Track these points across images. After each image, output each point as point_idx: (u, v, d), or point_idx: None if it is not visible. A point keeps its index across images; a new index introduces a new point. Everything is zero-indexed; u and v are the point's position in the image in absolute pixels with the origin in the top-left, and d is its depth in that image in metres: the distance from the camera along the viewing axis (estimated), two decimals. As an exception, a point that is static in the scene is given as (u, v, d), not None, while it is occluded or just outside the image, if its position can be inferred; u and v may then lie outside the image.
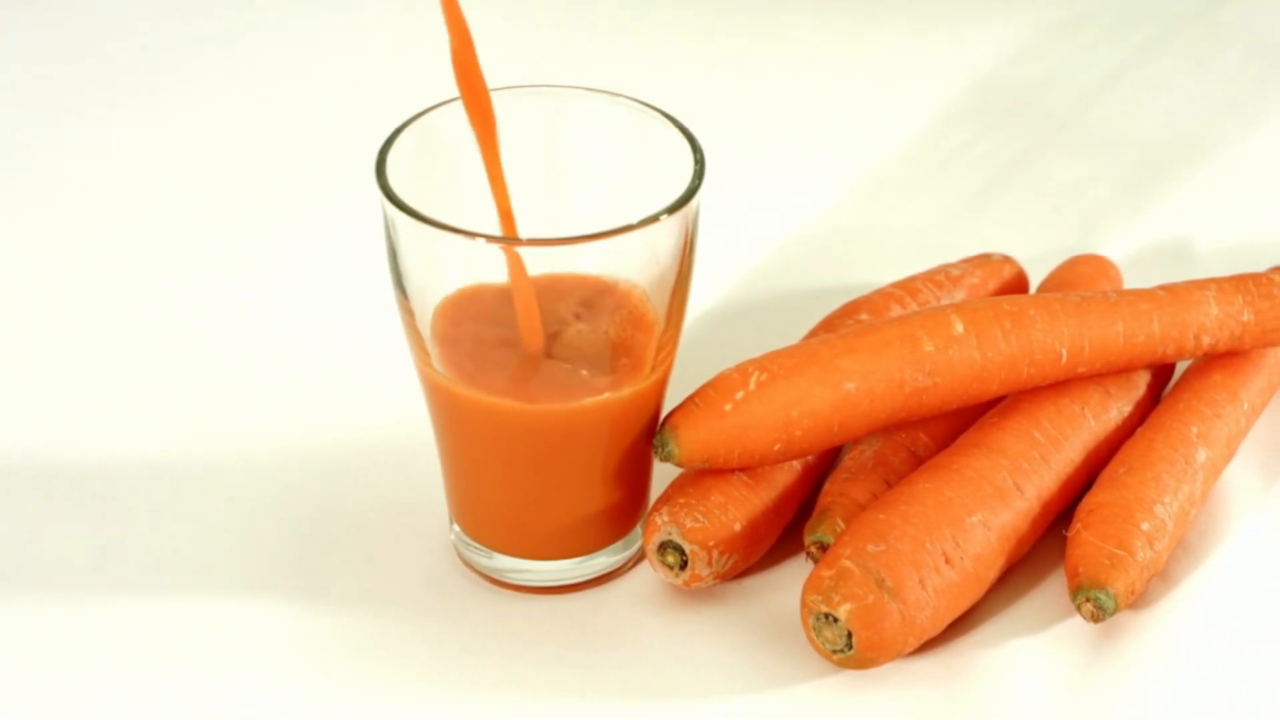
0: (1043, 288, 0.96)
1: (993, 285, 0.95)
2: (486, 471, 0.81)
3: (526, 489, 0.81)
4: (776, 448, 0.80)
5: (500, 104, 0.80)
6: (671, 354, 0.81)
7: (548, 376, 0.78)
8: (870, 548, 0.77)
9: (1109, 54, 1.24)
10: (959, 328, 0.83)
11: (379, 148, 0.78)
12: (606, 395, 0.78)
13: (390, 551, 0.85)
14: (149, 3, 1.28)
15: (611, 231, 0.75)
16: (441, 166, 0.81)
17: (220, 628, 0.81)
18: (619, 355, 0.79)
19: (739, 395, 0.80)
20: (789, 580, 0.83)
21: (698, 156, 0.78)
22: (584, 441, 0.79)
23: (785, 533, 0.84)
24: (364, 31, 1.27)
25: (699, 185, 0.77)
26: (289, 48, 1.25)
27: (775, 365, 0.81)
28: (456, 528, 0.84)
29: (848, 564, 0.77)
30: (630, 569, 0.84)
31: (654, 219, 0.75)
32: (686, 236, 0.78)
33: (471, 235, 0.75)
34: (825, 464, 0.86)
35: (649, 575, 0.84)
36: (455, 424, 0.80)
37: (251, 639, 0.80)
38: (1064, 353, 0.84)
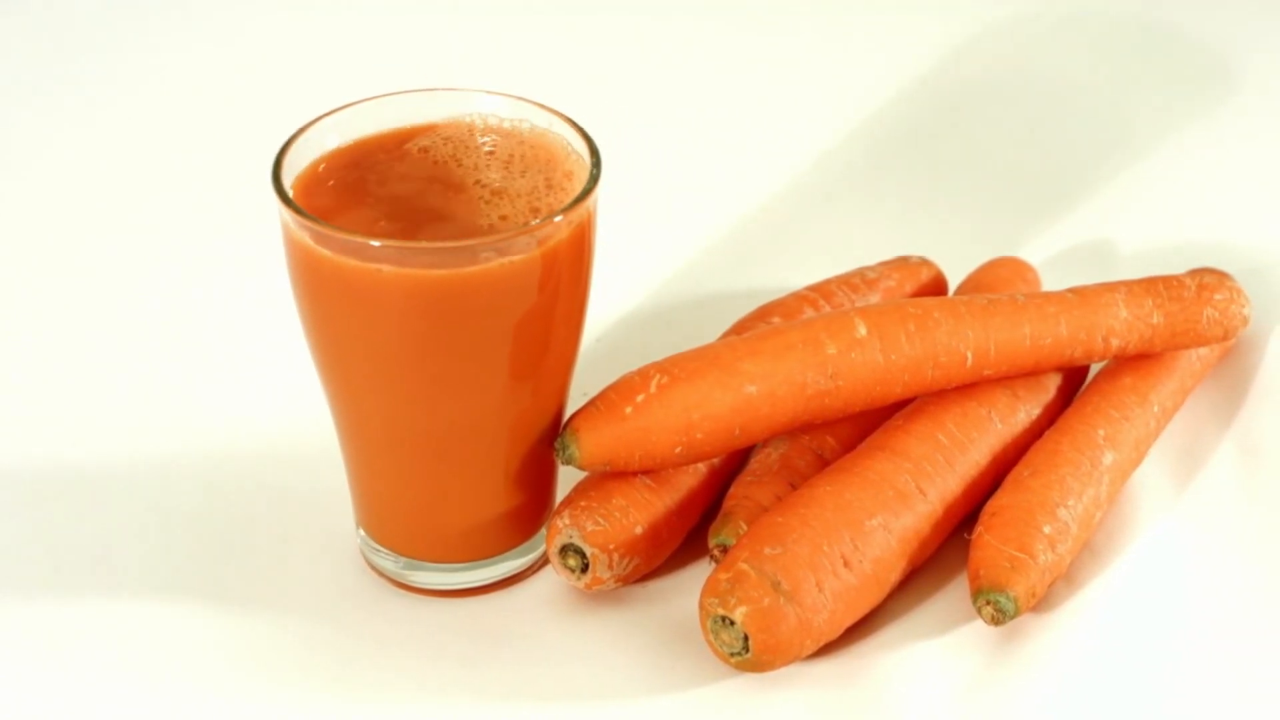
0: (959, 291, 0.96)
1: (910, 288, 0.94)
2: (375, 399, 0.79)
3: (423, 451, 0.79)
4: (678, 450, 0.80)
5: (403, 106, 0.80)
6: (571, 360, 0.80)
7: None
8: (767, 550, 0.77)
9: (1036, 58, 1.24)
10: (862, 330, 0.83)
11: (275, 154, 0.78)
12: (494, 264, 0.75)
13: (296, 556, 0.84)
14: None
15: (507, 234, 0.75)
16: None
17: (124, 631, 0.80)
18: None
19: (639, 398, 0.80)
20: (692, 583, 0.83)
21: (595, 160, 0.78)
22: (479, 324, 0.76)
23: (691, 536, 0.84)
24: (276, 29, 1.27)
25: (594, 187, 0.77)
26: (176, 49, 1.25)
27: (676, 368, 0.81)
28: (362, 531, 0.84)
29: (744, 567, 0.77)
30: (534, 573, 0.84)
31: (548, 220, 0.75)
32: (583, 239, 0.77)
33: (365, 237, 0.75)
34: (732, 467, 0.86)
35: (553, 579, 0.83)
36: (328, 309, 0.77)
37: (155, 642, 0.80)
38: (969, 355, 0.84)
